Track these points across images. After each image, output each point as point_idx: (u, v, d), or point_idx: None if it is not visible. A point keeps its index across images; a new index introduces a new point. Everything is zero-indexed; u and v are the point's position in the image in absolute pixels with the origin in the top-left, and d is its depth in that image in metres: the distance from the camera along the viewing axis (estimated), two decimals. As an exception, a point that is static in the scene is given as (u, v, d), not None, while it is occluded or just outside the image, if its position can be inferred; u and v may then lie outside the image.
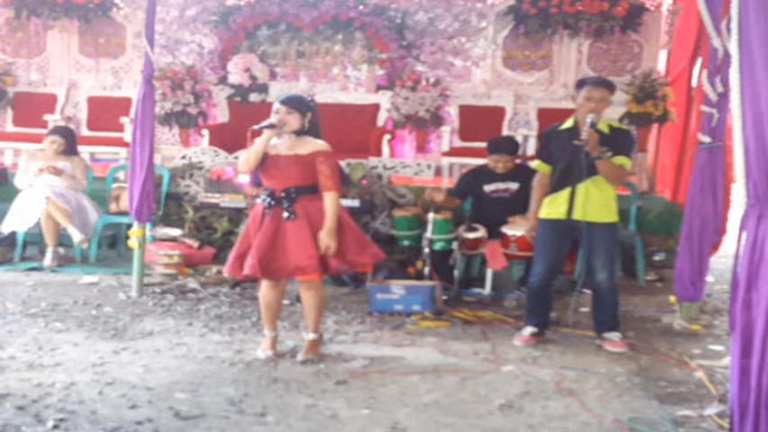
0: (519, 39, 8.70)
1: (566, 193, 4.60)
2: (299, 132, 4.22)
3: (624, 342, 4.66)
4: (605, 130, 4.56)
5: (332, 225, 4.13)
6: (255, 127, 4.16)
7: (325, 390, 3.87)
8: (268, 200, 4.21)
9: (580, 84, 4.69)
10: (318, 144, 4.23)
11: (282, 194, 4.18)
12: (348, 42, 8.80)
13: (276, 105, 4.23)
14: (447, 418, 3.57)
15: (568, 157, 4.54)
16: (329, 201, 4.15)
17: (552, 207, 4.68)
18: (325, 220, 4.13)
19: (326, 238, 4.12)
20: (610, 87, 4.61)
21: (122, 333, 4.73)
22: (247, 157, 4.18)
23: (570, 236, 4.68)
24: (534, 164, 4.92)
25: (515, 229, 5.58)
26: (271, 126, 4.15)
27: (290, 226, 4.17)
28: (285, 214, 4.17)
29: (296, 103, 4.23)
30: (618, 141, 4.56)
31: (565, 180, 4.59)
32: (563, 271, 5.59)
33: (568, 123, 4.69)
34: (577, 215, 4.57)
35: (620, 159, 4.56)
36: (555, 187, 4.67)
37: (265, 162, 4.21)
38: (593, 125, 4.43)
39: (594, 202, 4.56)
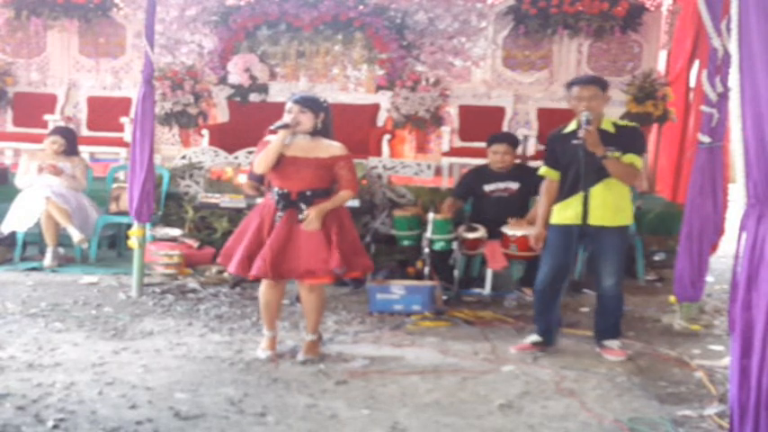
0: (519, 39, 8.69)
1: (578, 197, 4.39)
2: (312, 133, 4.24)
3: (623, 351, 4.54)
4: (610, 129, 4.42)
5: (326, 207, 4.17)
6: (272, 126, 4.20)
7: (325, 390, 3.87)
8: (282, 202, 4.21)
9: (569, 86, 4.54)
10: (337, 147, 4.27)
11: (298, 197, 4.19)
12: (348, 42, 8.80)
13: (289, 104, 4.25)
14: (447, 418, 3.57)
15: (575, 160, 4.35)
16: (343, 194, 4.23)
17: (565, 212, 4.47)
18: (328, 202, 4.18)
19: (314, 215, 4.14)
20: (599, 84, 4.46)
21: (122, 333, 4.73)
22: (265, 157, 4.19)
23: (580, 241, 4.49)
24: (542, 170, 4.67)
25: (515, 229, 5.58)
26: (286, 126, 4.17)
27: (304, 228, 4.17)
28: (300, 217, 4.17)
29: (309, 103, 4.26)
30: (625, 139, 4.39)
31: (576, 185, 4.39)
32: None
33: (572, 126, 4.51)
34: (593, 220, 4.38)
35: (630, 158, 4.35)
36: (567, 193, 4.47)
37: (281, 163, 4.21)
38: (588, 122, 4.29)
39: (610, 205, 4.40)
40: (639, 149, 4.46)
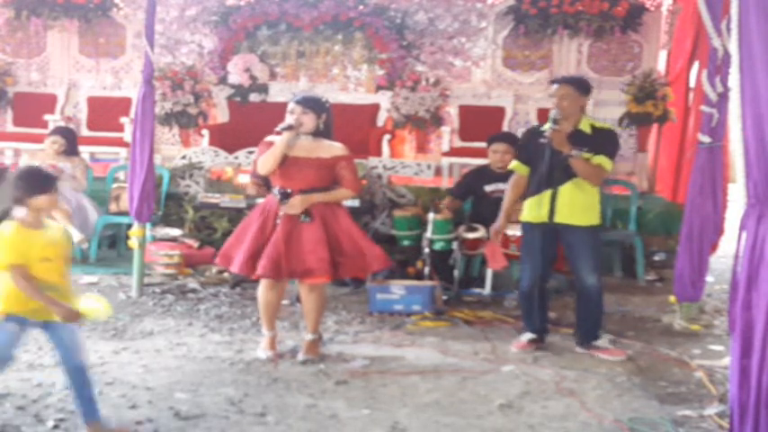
0: (519, 39, 8.69)
1: (547, 195, 4.43)
2: (314, 133, 4.25)
3: (622, 350, 4.55)
4: (587, 130, 4.47)
5: (316, 198, 4.21)
6: (277, 128, 4.22)
7: (325, 390, 3.88)
8: (285, 201, 4.21)
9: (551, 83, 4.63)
10: (339, 148, 4.30)
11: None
12: (348, 42, 8.79)
13: (291, 105, 4.27)
14: (447, 418, 3.57)
15: (542, 157, 4.40)
16: (342, 191, 4.28)
17: (534, 210, 4.51)
18: (323, 194, 4.21)
19: (298, 199, 4.17)
20: (575, 85, 4.49)
21: (122, 333, 4.73)
22: (272, 158, 4.21)
23: (555, 238, 4.51)
24: (512, 164, 4.75)
25: (515, 229, 5.58)
26: (290, 127, 4.18)
27: (305, 228, 4.19)
28: (302, 217, 4.19)
29: (311, 104, 4.28)
30: (599, 141, 4.44)
31: (544, 182, 4.43)
32: (562, 271, 5.60)
33: (547, 124, 4.53)
34: (559, 218, 4.43)
35: (599, 159, 4.39)
36: (535, 189, 4.50)
37: (284, 163, 4.23)
38: (555, 121, 4.35)
39: (578, 204, 4.44)
40: (611, 152, 4.49)
